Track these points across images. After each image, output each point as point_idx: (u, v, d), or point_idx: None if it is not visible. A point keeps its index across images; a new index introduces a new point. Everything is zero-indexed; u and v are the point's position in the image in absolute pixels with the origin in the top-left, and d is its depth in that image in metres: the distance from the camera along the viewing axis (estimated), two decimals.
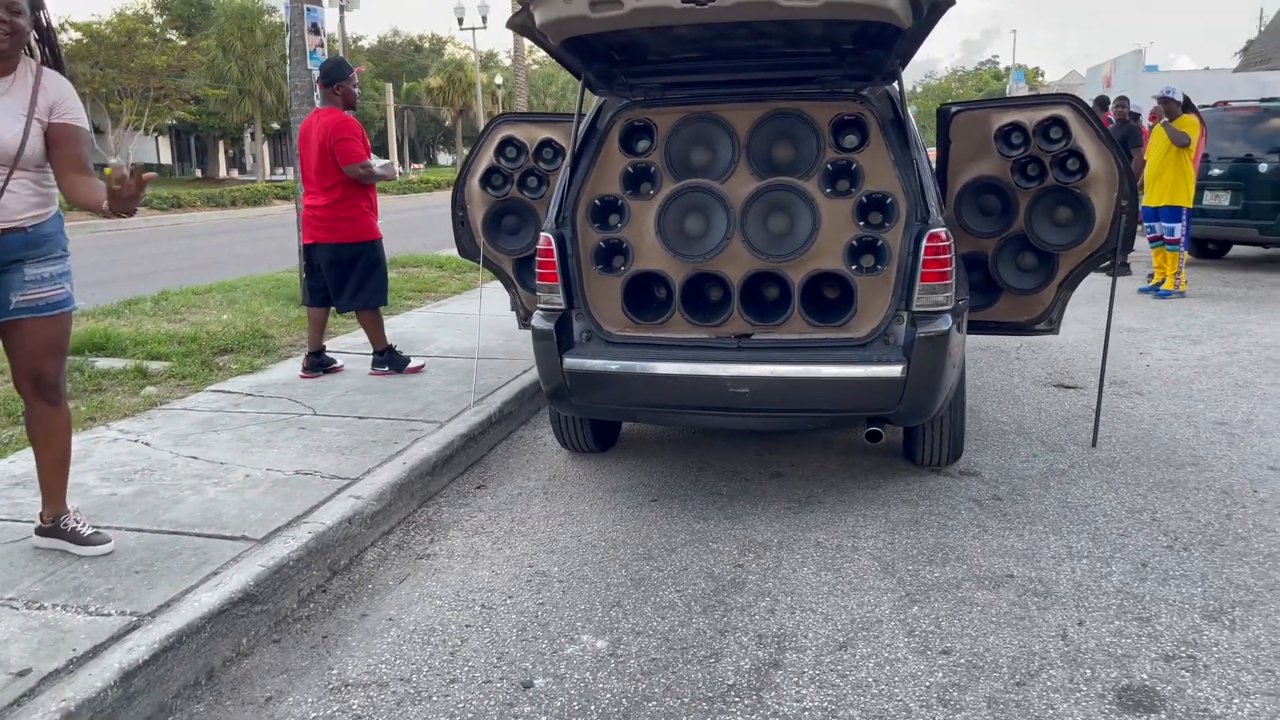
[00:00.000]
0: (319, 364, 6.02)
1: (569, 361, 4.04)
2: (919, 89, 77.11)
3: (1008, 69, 74.73)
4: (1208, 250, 12.42)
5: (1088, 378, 6.32)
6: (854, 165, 4.11)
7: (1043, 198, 5.03)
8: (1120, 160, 4.92)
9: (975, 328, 5.38)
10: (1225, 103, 11.86)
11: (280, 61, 42.83)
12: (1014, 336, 5.62)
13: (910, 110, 4.65)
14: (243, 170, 59.99)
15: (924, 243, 3.86)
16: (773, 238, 4.11)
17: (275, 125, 48.64)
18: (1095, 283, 5.61)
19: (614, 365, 3.99)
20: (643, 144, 4.30)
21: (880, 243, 4.04)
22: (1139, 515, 3.96)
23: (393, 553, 3.74)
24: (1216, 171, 11.18)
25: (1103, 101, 13.50)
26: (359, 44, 79.79)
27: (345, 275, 5.84)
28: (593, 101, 4.40)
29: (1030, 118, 4.93)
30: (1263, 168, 10.92)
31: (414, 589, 3.42)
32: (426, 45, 77.71)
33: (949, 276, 3.92)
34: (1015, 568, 3.50)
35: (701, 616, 3.19)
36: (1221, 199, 11.24)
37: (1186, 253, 9.70)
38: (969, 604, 3.23)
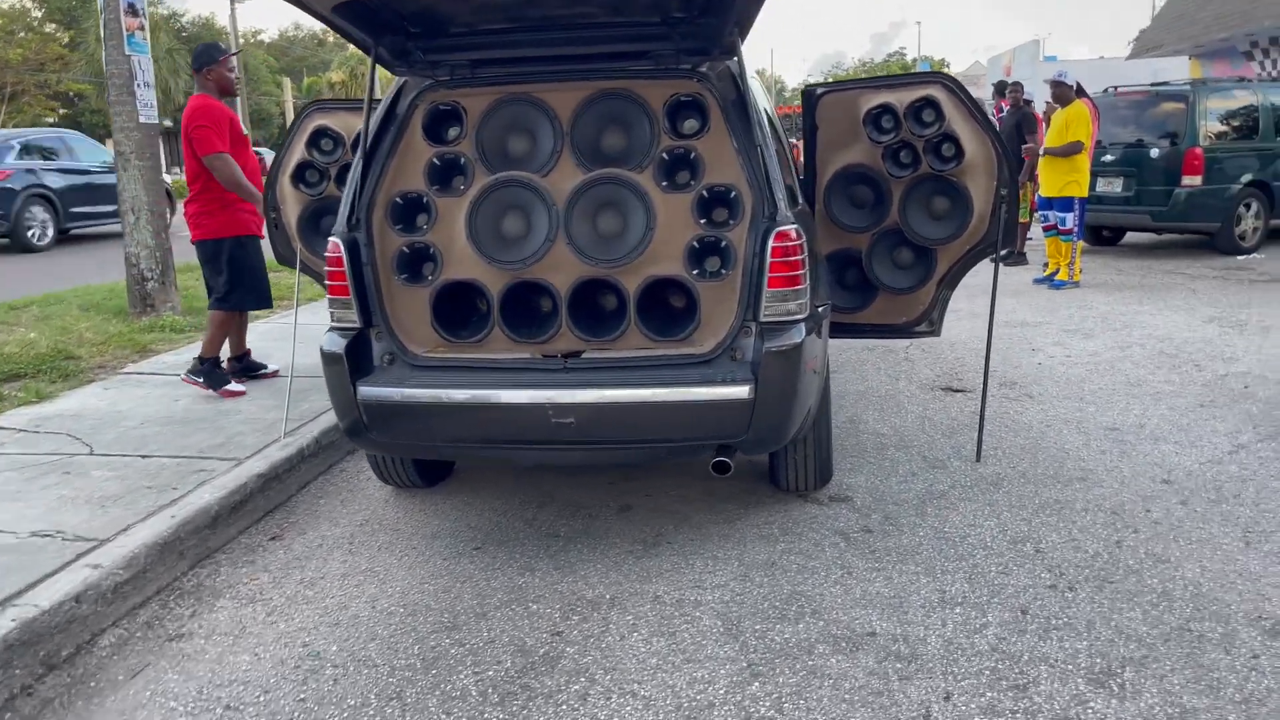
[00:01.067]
0: (244, 369, 5.68)
1: (364, 391, 3.41)
2: (827, 79, 77.76)
3: (914, 60, 75.89)
4: (1102, 238, 12.30)
5: (978, 379, 5.90)
6: (693, 154, 3.55)
7: (917, 187, 4.57)
8: (999, 145, 4.48)
9: (850, 331, 4.91)
10: (1116, 88, 11.71)
11: (166, 55, 40.89)
12: (895, 340, 5.16)
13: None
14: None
15: (770, 243, 3.33)
16: (603, 239, 3.53)
17: (168, 122, 46.40)
18: (989, 275, 5.19)
19: (417, 394, 3.38)
20: (451, 131, 3.68)
21: (724, 243, 3.50)
22: (1021, 546, 3.50)
23: (138, 634, 3.07)
24: (1109, 158, 11.01)
25: (1000, 87, 13.33)
26: (258, 37, 77.12)
27: (211, 275, 5.42)
28: (393, 84, 3.76)
29: (901, 99, 4.45)
30: (1154, 153, 10.78)
31: (147, 687, 2.76)
32: (331, 39, 75.46)
33: (801, 280, 3.39)
34: (879, 622, 2.99)
35: (497, 709, 2.60)
36: (1114, 185, 11.08)
37: (1081, 242, 9.47)
38: (820, 675, 2.70)
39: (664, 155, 3.56)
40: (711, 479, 4.24)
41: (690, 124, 3.64)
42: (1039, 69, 31.11)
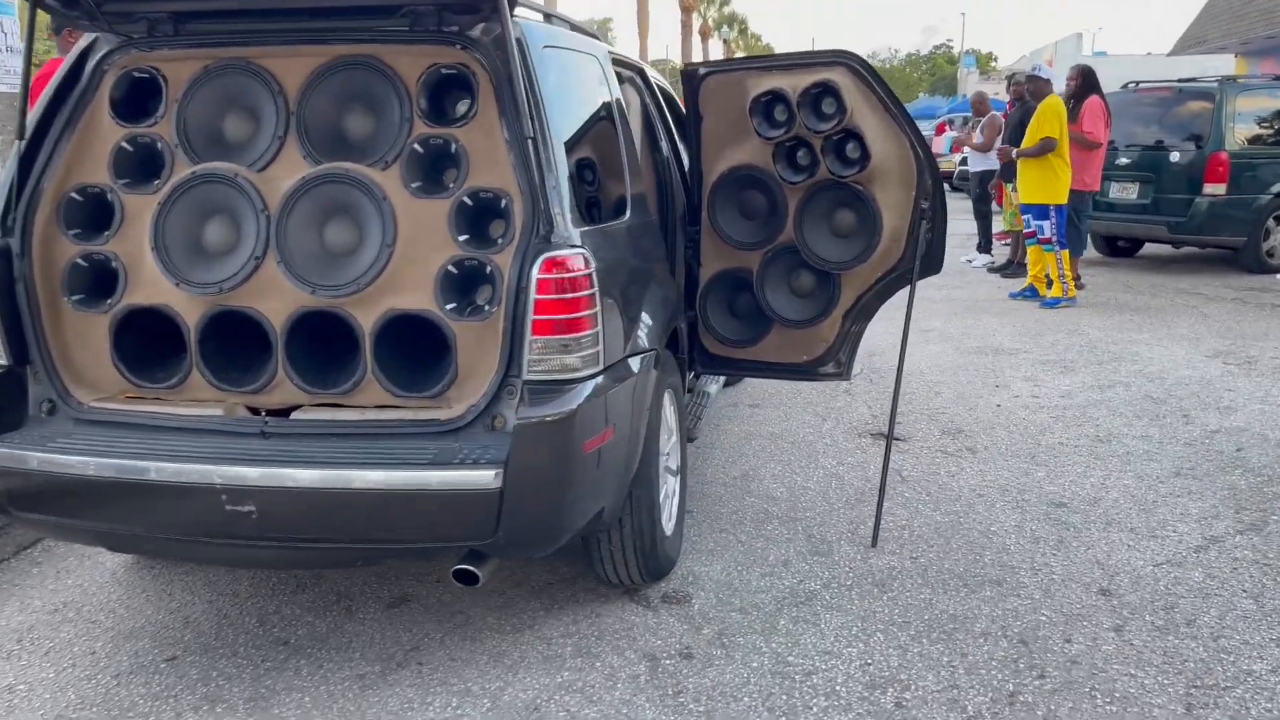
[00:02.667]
0: None
1: None
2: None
3: (960, 53, 74.04)
4: (1117, 248, 11.20)
5: (924, 422, 4.95)
6: (455, 146, 2.64)
7: (816, 197, 3.65)
8: (919, 146, 3.55)
9: (742, 368, 4.01)
10: (1138, 84, 10.59)
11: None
12: (796, 381, 4.23)
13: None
14: None
15: (535, 272, 2.42)
16: (329, 258, 2.63)
17: None
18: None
19: (60, 462, 2.50)
20: (151, 105, 2.79)
21: (490, 269, 2.59)
22: (879, 696, 2.58)
23: None
24: (1124, 161, 9.92)
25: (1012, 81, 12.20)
26: None
27: None
28: (80, 41, 2.87)
29: (794, 84, 3.52)
30: (1175, 157, 9.67)
31: None
32: None
33: (587, 324, 2.48)
34: None
35: None
36: (1129, 191, 9.99)
37: (1066, 252, 8.31)
38: None
39: (416, 147, 2.65)
40: (532, 559, 3.34)
41: (456, 106, 2.73)
42: (1081, 64, 29.80)
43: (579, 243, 2.49)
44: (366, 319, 2.59)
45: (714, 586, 3.20)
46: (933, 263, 3.74)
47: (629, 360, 2.72)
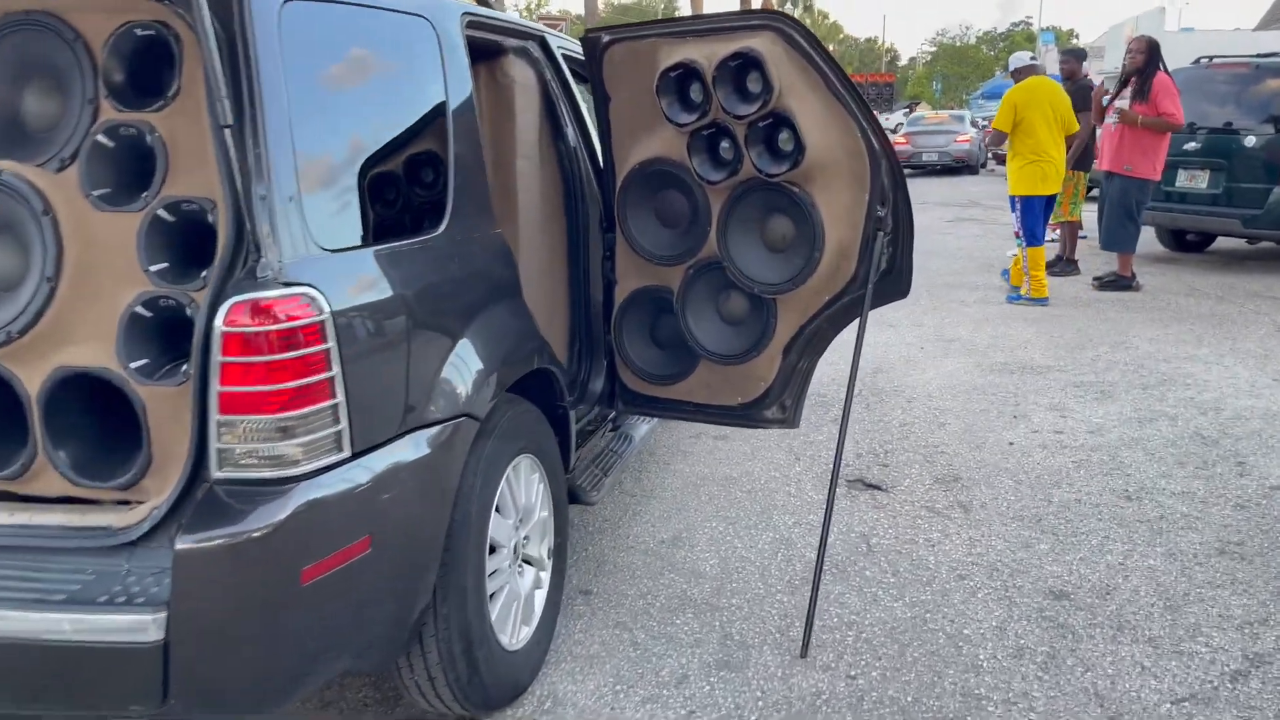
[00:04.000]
0: None
1: None
2: (934, 49, 73.62)
3: (1039, 30, 71.40)
4: (1186, 243, 10.08)
5: (920, 464, 4.11)
6: (150, 137, 1.90)
7: (743, 200, 2.86)
8: (876, 135, 2.73)
9: (664, 409, 3.25)
10: (1211, 59, 9.43)
11: None
12: (735, 427, 3.41)
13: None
14: None
15: (219, 323, 1.67)
16: None
17: None
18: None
19: None
20: None
21: (190, 310, 1.85)
22: None
23: None
24: (1193, 145, 8.81)
25: (1077, 53, 10.97)
26: None
27: None
28: None
29: (709, 54, 2.72)
30: (1250, 141, 8.55)
31: None
32: None
33: (315, 396, 1.74)
34: None
35: None
36: (1198, 180, 8.89)
37: (1033, 248, 7.52)
38: None
39: (101, 139, 1.91)
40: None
41: (154, 81, 1.98)
42: (1165, 40, 28.10)
43: (303, 279, 1.74)
44: (31, 379, 1.88)
45: (576, 717, 2.44)
46: (897, 285, 2.91)
47: (414, 435, 1.97)
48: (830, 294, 2.88)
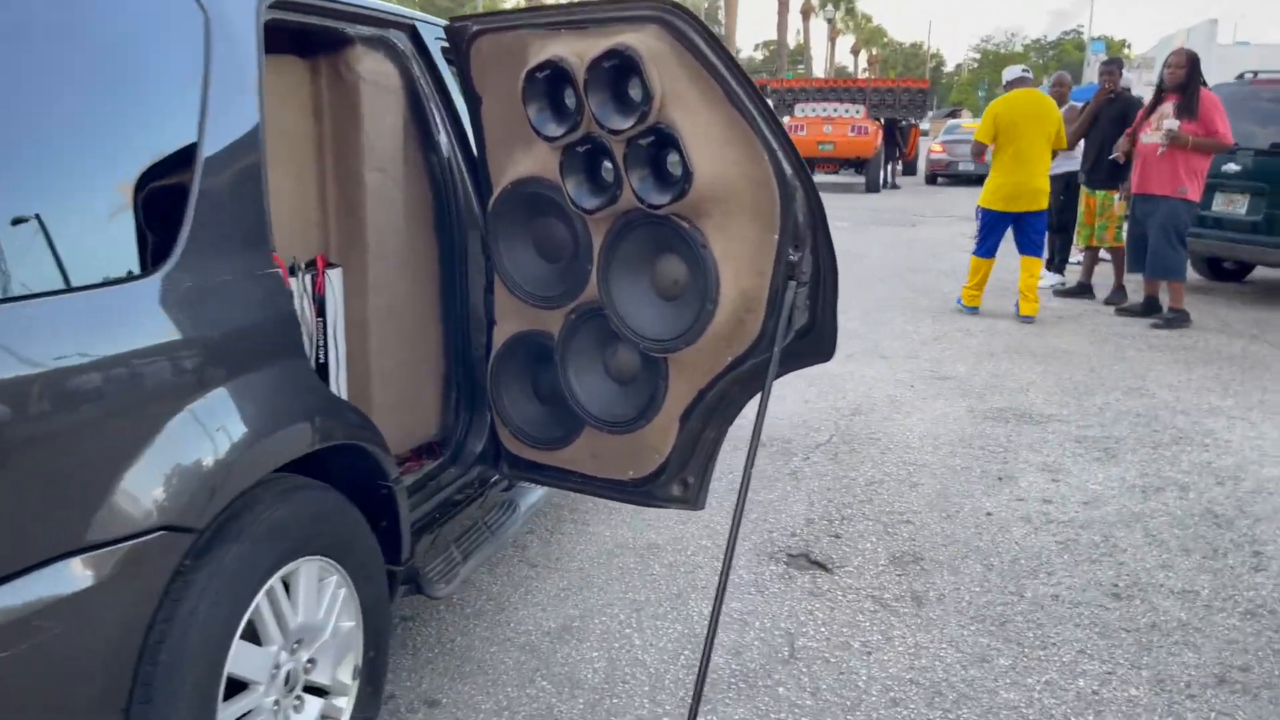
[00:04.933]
0: None
1: None
2: (976, 56, 72.13)
3: (1090, 39, 69.89)
4: (1223, 271, 9.35)
5: (872, 538, 3.52)
6: None
7: (626, 235, 2.31)
8: (788, 159, 2.15)
9: (551, 477, 2.72)
10: (1255, 74, 8.71)
11: None
12: (631, 504, 2.82)
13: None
14: None
15: None
16: None
17: None
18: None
19: None
20: None
21: None
22: None
23: None
24: (1233, 167, 8.09)
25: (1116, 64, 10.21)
26: None
27: None
28: None
29: (581, 53, 2.15)
30: None
31: None
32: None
33: None
34: None
35: None
36: (1237, 205, 8.19)
37: (981, 260, 7.52)
38: None
39: None
40: None
41: None
42: (1215, 54, 27.05)
43: None
44: None
45: None
46: (817, 346, 2.34)
47: (63, 563, 1.43)
48: (734, 353, 2.32)
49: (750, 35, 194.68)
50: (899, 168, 22.22)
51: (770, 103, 11.55)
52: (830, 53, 65.07)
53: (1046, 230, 7.83)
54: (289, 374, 1.90)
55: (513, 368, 2.67)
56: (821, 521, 3.71)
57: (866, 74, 66.71)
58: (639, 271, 2.33)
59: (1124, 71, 8.66)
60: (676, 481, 2.56)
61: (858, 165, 19.68)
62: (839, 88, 20.66)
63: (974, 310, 7.58)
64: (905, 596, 3.13)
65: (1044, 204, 7.35)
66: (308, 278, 2.34)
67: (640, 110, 2.12)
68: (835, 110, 19.04)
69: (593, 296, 2.42)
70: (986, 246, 7.47)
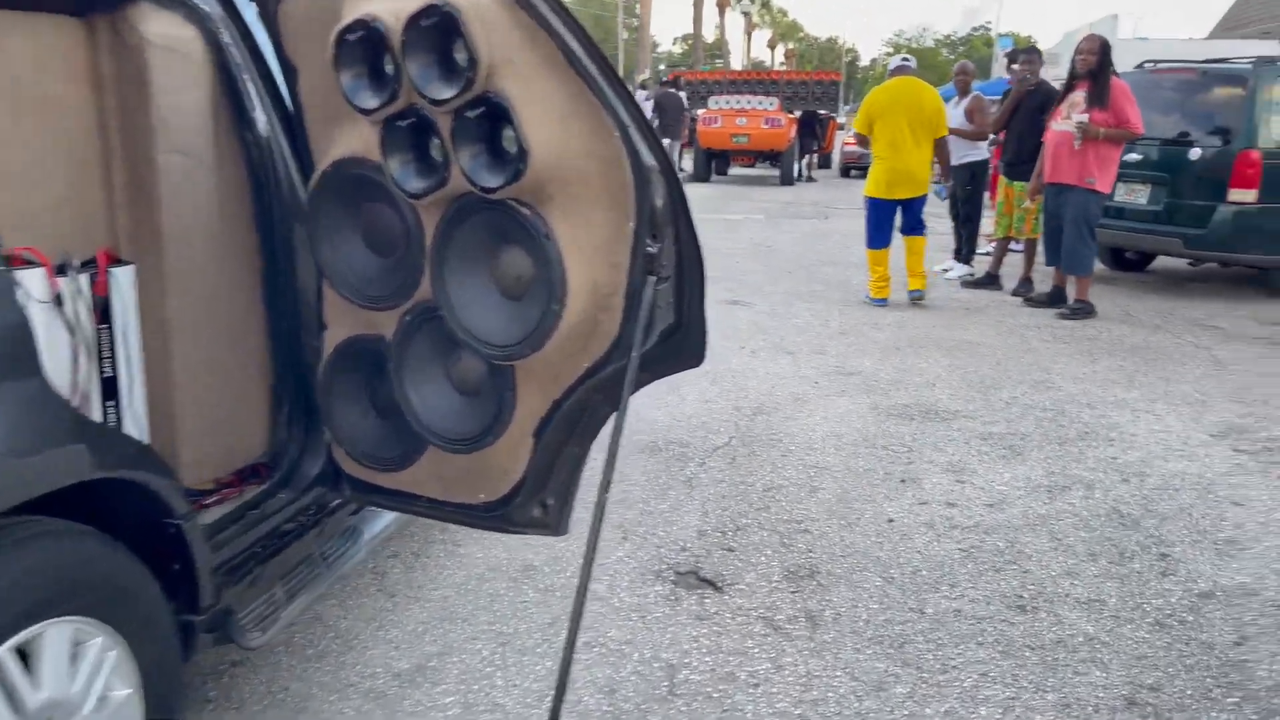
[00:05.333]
0: None
1: None
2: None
3: (997, 35, 71.47)
4: (1124, 261, 9.40)
5: (767, 551, 3.26)
6: None
7: (460, 223, 1.98)
8: (644, 136, 1.84)
9: (397, 502, 2.39)
10: (1156, 63, 8.74)
11: None
12: (490, 531, 2.51)
13: None
14: None
15: None
16: None
17: None
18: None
19: None
20: None
21: None
22: None
23: None
24: (1134, 157, 8.08)
25: (1012, 57, 10.19)
26: None
27: None
28: None
29: (398, 11, 1.81)
30: (1195, 154, 7.88)
31: None
32: None
33: None
34: None
35: None
36: (1138, 195, 8.21)
37: (871, 251, 7.51)
38: None
39: None
40: None
41: None
42: (1120, 48, 27.73)
43: None
44: None
45: None
46: (683, 349, 2.06)
47: None
48: (591, 359, 2.03)
49: (669, 29, 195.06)
50: (815, 160, 22.21)
51: (684, 95, 11.34)
52: (747, 47, 65.34)
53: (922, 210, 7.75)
54: (13, 398, 1.54)
55: (345, 378, 2.34)
56: (715, 533, 3.44)
57: (784, 66, 67.19)
58: (477, 266, 2.02)
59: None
60: (535, 504, 2.26)
61: (773, 158, 19.60)
62: (753, 80, 20.51)
63: (883, 302, 7.48)
64: (799, 617, 2.88)
65: (923, 190, 7.38)
66: (83, 277, 1.97)
67: (465, 77, 1.81)
68: (749, 103, 18.89)
69: (422, 299, 2.10)
70: (877, 237, 7.42)
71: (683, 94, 19.49)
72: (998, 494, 3.81)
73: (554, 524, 2.28)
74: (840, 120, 24.42)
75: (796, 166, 20.20)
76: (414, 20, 1.82)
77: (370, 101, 1.95)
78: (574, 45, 1.83)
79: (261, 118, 2.34)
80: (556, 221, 1.89)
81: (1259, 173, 7.48)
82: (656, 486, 3.83)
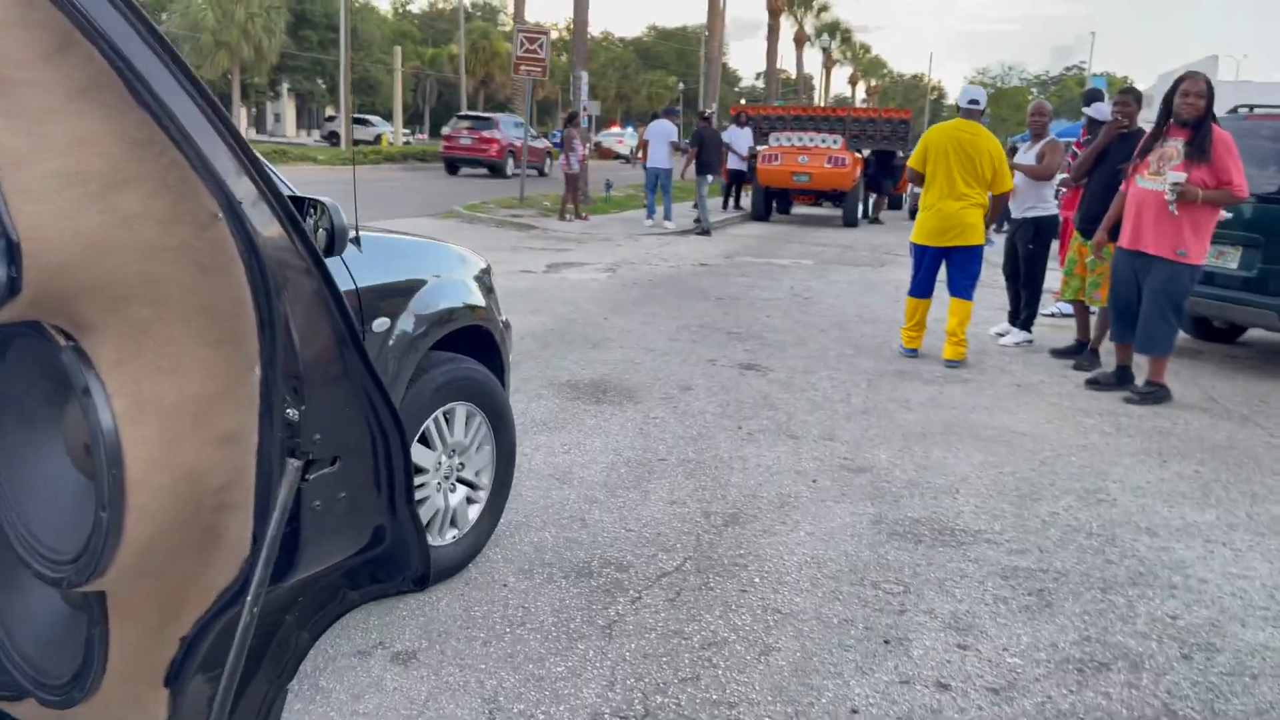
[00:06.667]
0: None
1: None
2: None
3: (1090, 76, 69.27)
4: (1212, 330, 8.26)
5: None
6: None
7: None
8: (267, 201, 0.98)
9: None
10: (1251, 108, 7.64)
11: (263, 12, 39.88)
12: None
13: None
14: (260, 129, 57.93)
15: None
16: None
17: (257, 79, 45.69)
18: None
19: None
20: None
21: None
22: None
23: None
24: (1224, 215, 6.97)
25: (1093, 96, 8.99)
26: (406, 8, 77.20)
27: None
28: None
29: None
30: None
31: None
32: (478, 14, 74.30)
33: None
34: None
35: None
36: (1228, 258, 7.11)
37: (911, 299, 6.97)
38: None
39: None
40: None
41: None
42: (1220, 89, 26.09)
43: None
44: None
45: None
46: (392, 567, 1.21)
47: None
48: (227, 578, 1.21)
49: (751, 66, 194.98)
50: (884, 201, 21.19)
51: (748, 130, 10.56)
52: (826, 82, 64.34)
53: (978, 272, 6.87)
54: None
55: None
56: (617, 713, 2.57)
57: (865, 104, 65.95)
58: (34, 425, 1.22)
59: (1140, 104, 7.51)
60: None
61: (835, 198, 18.68)
62: (817, 116, 19.62)
63: (914, 353, 7.01)
64: None
65: (976, 240, 6.62)
66: None
67: None
68: (811, 140, 18.03)
69: None
70: (919, 285, 6.85)
71: (747, 129, 18.74)
72: (1009, 672, 2.87)
73: None
74: None
75: (861, 207, 19.23)
76: None
77: None
78: (145, 61, 1.02)
79: None
80: (108, 366, 1.08)
81: None
82: (564, 635, 2.98)
